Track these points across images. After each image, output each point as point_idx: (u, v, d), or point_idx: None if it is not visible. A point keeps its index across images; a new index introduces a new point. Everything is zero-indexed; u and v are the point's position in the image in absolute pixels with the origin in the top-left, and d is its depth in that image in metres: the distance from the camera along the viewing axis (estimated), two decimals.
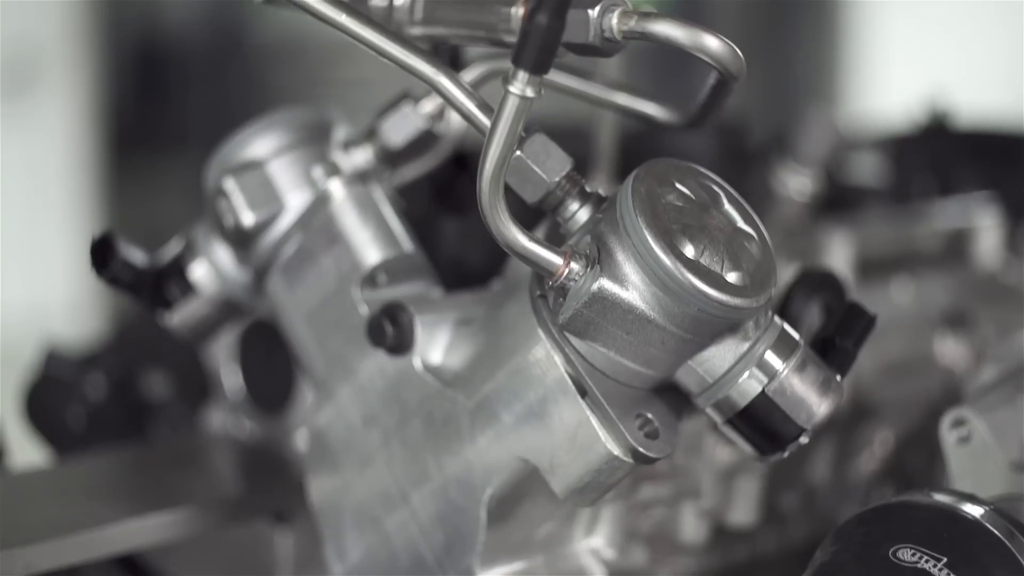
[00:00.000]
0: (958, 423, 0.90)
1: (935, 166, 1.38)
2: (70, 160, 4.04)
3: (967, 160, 1.39)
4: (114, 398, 1.17)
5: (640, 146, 1.14)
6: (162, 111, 4.70)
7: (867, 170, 1.34)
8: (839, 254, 1.11)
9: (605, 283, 0.77)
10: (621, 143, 1.13)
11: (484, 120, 0.78)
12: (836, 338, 0.82)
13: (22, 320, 3.84)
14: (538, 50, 0.73)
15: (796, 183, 1.18)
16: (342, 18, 0.81)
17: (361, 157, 0.92)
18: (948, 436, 0.90)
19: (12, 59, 3.90)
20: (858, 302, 0.84)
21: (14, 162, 3.94)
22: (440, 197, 1.07)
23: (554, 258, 0.77)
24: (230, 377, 1.06)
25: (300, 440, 1.01)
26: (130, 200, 4.47)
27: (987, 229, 1.26)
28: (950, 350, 1.19)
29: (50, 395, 1.17)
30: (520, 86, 0.73)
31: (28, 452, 1.19)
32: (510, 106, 0.74)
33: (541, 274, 0.79)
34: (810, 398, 0.80)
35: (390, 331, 0.86)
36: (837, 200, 1.26)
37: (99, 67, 4.18)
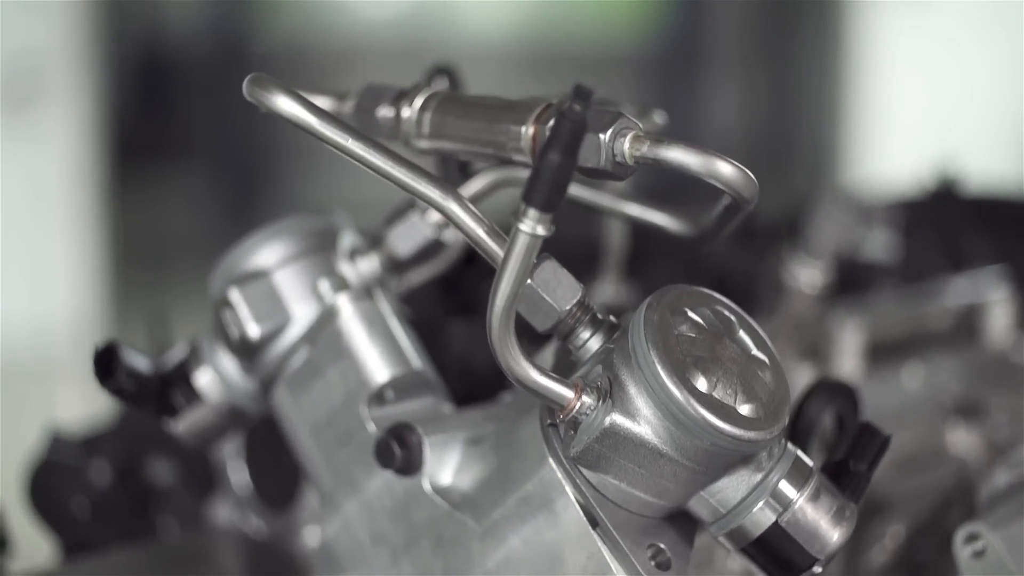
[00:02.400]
0: (972, 538, 0.90)
1: (944, 234, 1.37)
2: (74, 171, 4.03)
3: (977, 227, 1.38)
4: (118, 485, 1.15)
5: (649, 231, 1.12)
6: (165, 122, 4.70)
7: (877, 244, 1.33)
8: (850, 344, 1.10)
9: (617, 418, 0.76)
10: (632, 229, 1.12)
11: (495, 247, 0.77)
12: (850, 461, 0.81)
13: (25, 332, 3.84)
14: (549, 188, 0.72)
15: (807, 276, 1.17)
16: (348, 142, 0.80)
17: (368, 267, 0.91)
18: (962, 551, 0.90)
19: (15, 72, 3.89)
20: (871, 422, 0.83)
21: (17, 174, 3.94)
22: (448, 294, 1.05)
23: (565, 392, 0.76)
24: (237, 473, 1.05)
25: (309, 537, 1.01)
26: (133, 211, 4.46)
27: (997, 304, 1.25)
28: (962, 439, 1.18)
29: (54, 481, 1.16)
30: (531, 224, 0.72)
31: (30, 534, 1.18)
32: (520, 243, 0.73)
33: (552, 407, 0.78)
34: (824, 528, 0.79)
35: (399, 452, 0.85)
36: (848, 280, 1.25)
37: (102, 78, 4.17)
